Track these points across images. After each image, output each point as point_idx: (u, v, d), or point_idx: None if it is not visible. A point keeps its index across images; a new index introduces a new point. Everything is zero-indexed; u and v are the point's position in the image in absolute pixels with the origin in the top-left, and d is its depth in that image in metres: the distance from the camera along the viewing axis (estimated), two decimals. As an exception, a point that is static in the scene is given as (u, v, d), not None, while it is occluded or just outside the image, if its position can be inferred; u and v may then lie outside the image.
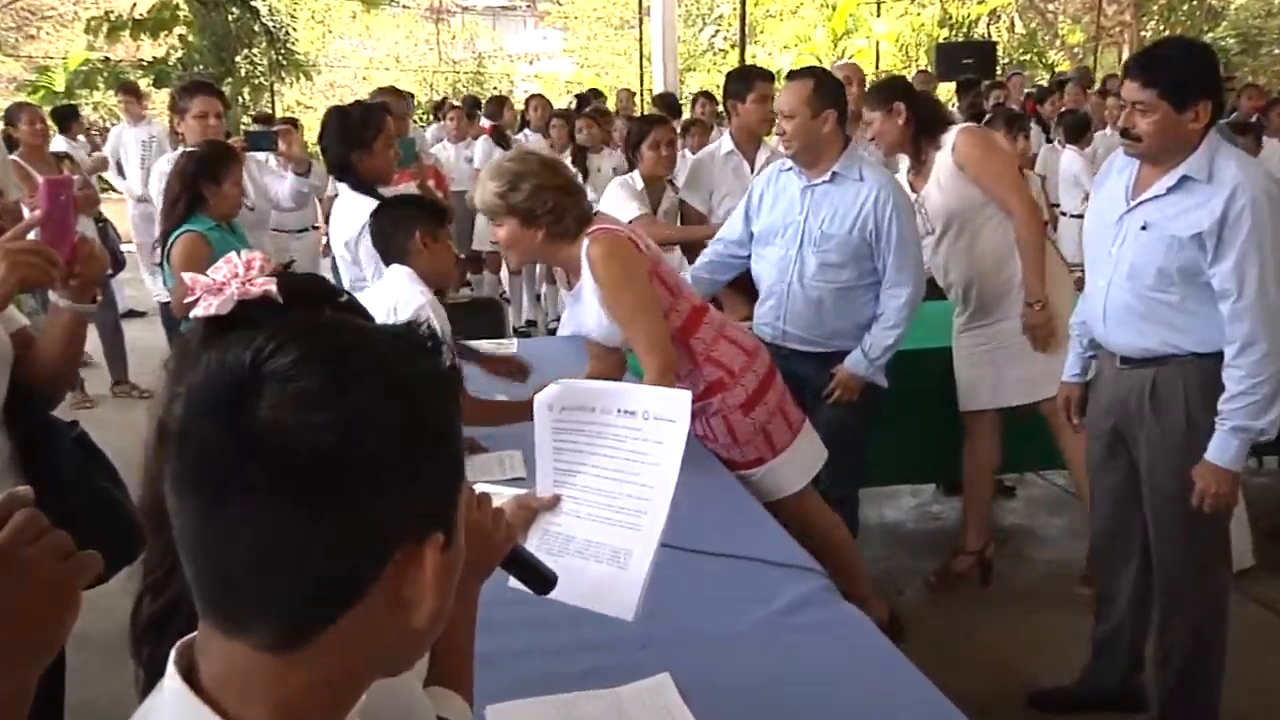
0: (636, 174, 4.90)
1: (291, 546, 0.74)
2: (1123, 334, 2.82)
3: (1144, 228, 2.72)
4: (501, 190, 2.81)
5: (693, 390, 2.74)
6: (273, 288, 1.27)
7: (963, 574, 4.08)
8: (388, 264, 3.05)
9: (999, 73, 13.82)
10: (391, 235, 3.05)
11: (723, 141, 4.87)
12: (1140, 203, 2.74)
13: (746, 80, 4.73)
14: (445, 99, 11.22)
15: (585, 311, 3.00)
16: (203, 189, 3.77)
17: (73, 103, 11.77)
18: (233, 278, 1.28)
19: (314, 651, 0.77)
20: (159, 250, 3.95)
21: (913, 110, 3.82)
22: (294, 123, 8.40)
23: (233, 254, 1.32)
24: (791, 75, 3.70)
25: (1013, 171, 3.88)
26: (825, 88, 3.48)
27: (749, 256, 3.70)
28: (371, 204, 3.43)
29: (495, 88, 22.22)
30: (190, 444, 0.75)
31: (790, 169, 3.57)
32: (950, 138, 3.77)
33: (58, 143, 9.14)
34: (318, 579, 0.76)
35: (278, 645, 0.77)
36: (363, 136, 3.76)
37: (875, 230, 3.39)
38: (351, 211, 3.67)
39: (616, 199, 4.71)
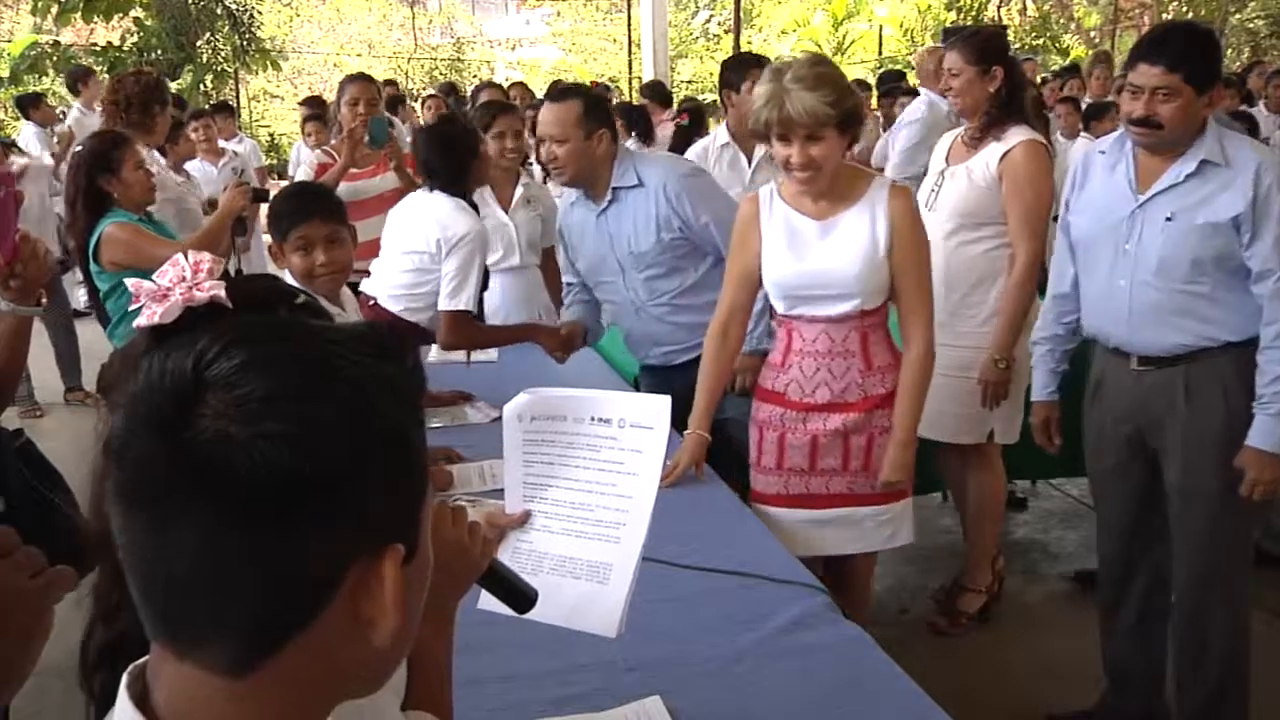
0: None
1: (238, 565, 0.73)
2: (1151, 333, 2.83)
3: (1170, 219, 2.74)
4: (831, 98, 2.69)
5: (880, 392, 2.87)
6: (221, 292, 1.26)
7: (972, 616, 3.96)
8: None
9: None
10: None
11: (718, 133, 4.83)
12: (1156, 194, 2.76)
13: (743, 68, 4.66)
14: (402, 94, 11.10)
15: (840, 249, 2.84)
16: (101, 183, 3.78)
17: (38, 90, 11.82)
18: (179, 282, 1.27)
19: (270, 674, 0.76)
20: (80, 259, 3.91)
21: (1008, 81, 3.65)
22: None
23: (179, 256, 1.32)
24: (554, 96, 3.56)
25: (1042, 213, 3.63)
26: (595, 107, 3.43)
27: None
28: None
29: (475, 75, 22.16)
30: (129, 458, 0.74)
31: (576, 201, 3.58)
32: (1013, 138, 3.57)
33: (26, 131, 9.23)
34: (267, 598, 0.74)
35: (231, 669, 0.75)
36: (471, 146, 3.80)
37: (684, 225, 3.39)
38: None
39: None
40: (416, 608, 0.83)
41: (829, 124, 2.68)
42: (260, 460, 0.71)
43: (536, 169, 5.05)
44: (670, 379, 3.42)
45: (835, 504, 2.93)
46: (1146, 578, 3.05)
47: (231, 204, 4.05)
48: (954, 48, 3.76)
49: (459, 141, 3.75)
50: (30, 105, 9.84)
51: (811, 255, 2.84)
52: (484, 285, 3.74)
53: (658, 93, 9.76)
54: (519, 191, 4.58)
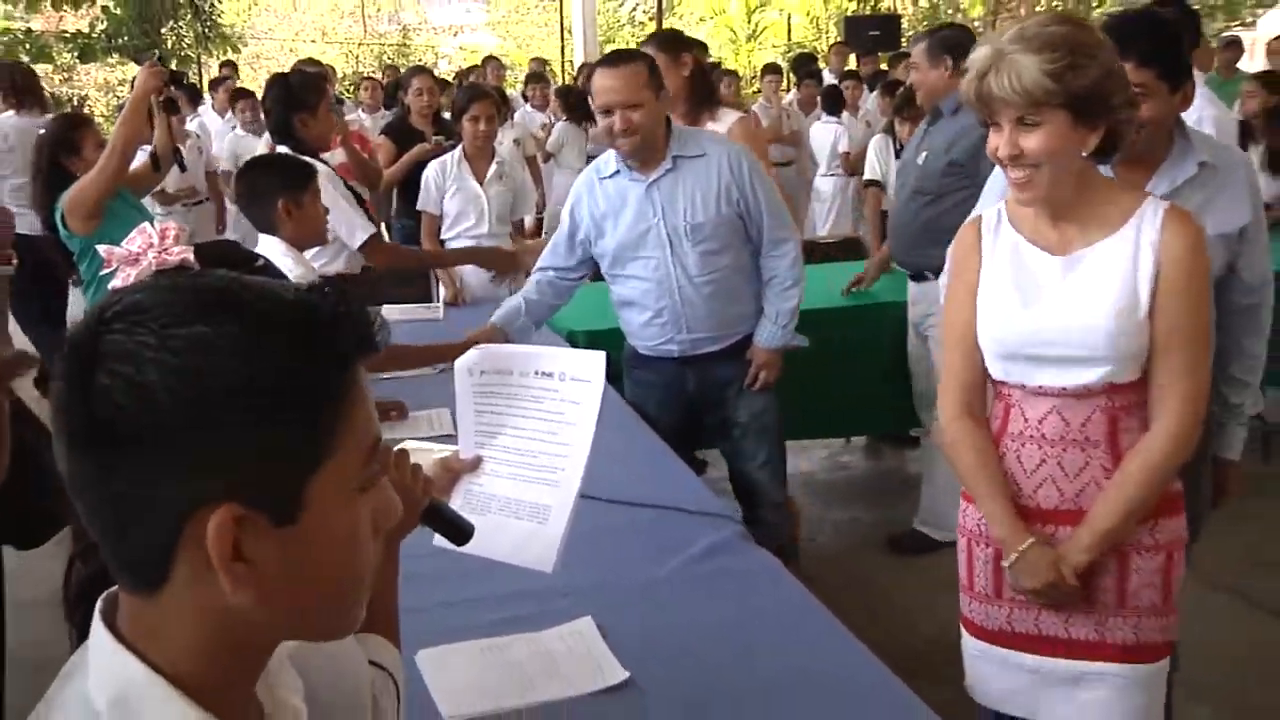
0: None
1: (99, 502, 0.73)
2: None
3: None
4: (1058, 64, 1.75)
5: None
6: (190, 255, 1.26)
7: None
8: (260, 230, 3.02)
9: (903, 44, 13.90)
10: (256, 204, 3.01)
11: None
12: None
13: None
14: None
15: (1086, 295, 1.86)
16: (63, 161, 3.83)
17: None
18: (148, 247, 1.27)
19: (169, 604, 0.75)
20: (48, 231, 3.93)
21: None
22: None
23: (147, 225, 1.31)
24: (614, 61, 3.02)
25: None
26: (654, 68, 3.01)
27: (581, 278, 3.28)
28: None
29: (420, 59, 21.87)
30: (54, 397, 0.74)
31: (611, 176, 3.06)
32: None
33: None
34: (119, 534, 0.74)
35: (134, 592, 0.76)
36: (306, 100, 3.82)
37: (742, 198, 2.99)
38: None
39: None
40: (302, 577, 0.76)
41: (1050, 102, 1.75)
42: (103, 401, 0.70)
43: (507, 148, 5.07)
44: (682, 374, 3.13)
45: (1076, 653, 1.93)
46: None
47: (144, 84, 3.80)
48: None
49: (294, 96, 3.83)
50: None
51: (1045, 301, 1.87)
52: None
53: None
54: (493, 168, 4.70)
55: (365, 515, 0.80)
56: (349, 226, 3.74)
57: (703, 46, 4.91)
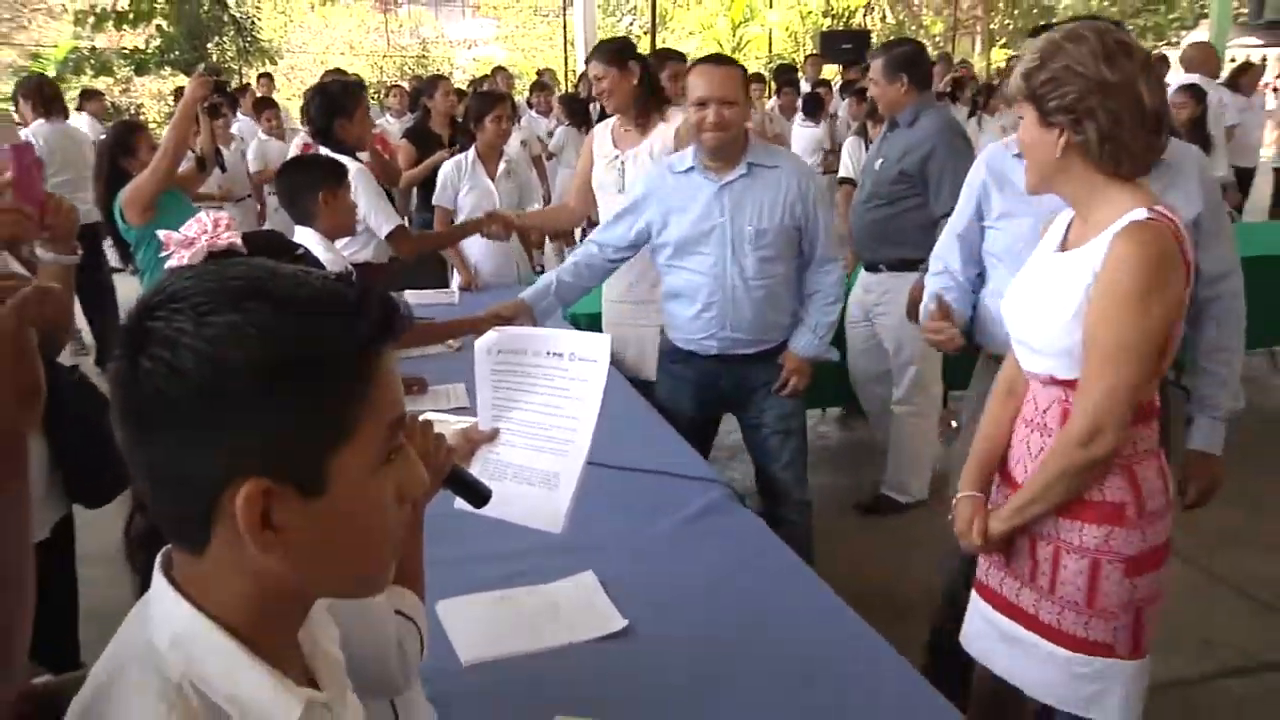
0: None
1: (145, 471, 0.73)
2: None
3: None
4: (1031, 64, 1.71)
5: (1084, 499, 1.77)
6: (238, 240, 1.28)
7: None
8: (297, 223, 3.01)
9: (872, 57, 13.83)
10: (295, 198, 2.99)
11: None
12: None
13: (660, 59, 4.74)
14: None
15: (1057, 290, 1.77)
16: (120, 162, 3.90)
17: (90, 87, 12.22)
18: (202, 234, 1.29)
19: (213, 565, 0.75)
20: (108, 225, 4.01)
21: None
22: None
23: (202, 214, 1.33)
24: (717, 60, 2.90)
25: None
26: (748, 76, 2.88)
27: (623, 261, 3.08)
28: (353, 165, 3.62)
29: (437, 70, 21.80)
30: (110, 377, 0.73)
31: (685, 172, 2.89)
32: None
33: (79, 120, 9.49)
34: (162, 503, 0.75)
35: (188, 552, 0.76)
36: (345, 106, 3.82)
37: (804, 214, 2.83)
38: None
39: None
40: (331, 543, 0.75)
41: (1020, 98, 1.74)
42: (146, 383, 0.70)
43: (514, 148, 5.04)
44: (716, 372, 2.96)
45: (1019, 620, 1.89)
46: None
47: (192, 93, 3.78)
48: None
49: (335, 101, 3.82)
50: (86, 98, 10.07)
51: (1031, 292, 1.84)
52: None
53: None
54: (502, 166, 4.71)
55: (390, 486, 0.78)
56: (378, 218, 3.73)
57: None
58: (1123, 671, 1.78)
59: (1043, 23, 2.65)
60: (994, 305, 2.32)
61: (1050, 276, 1.78)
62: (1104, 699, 1.79)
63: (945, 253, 2.50)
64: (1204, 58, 6.94)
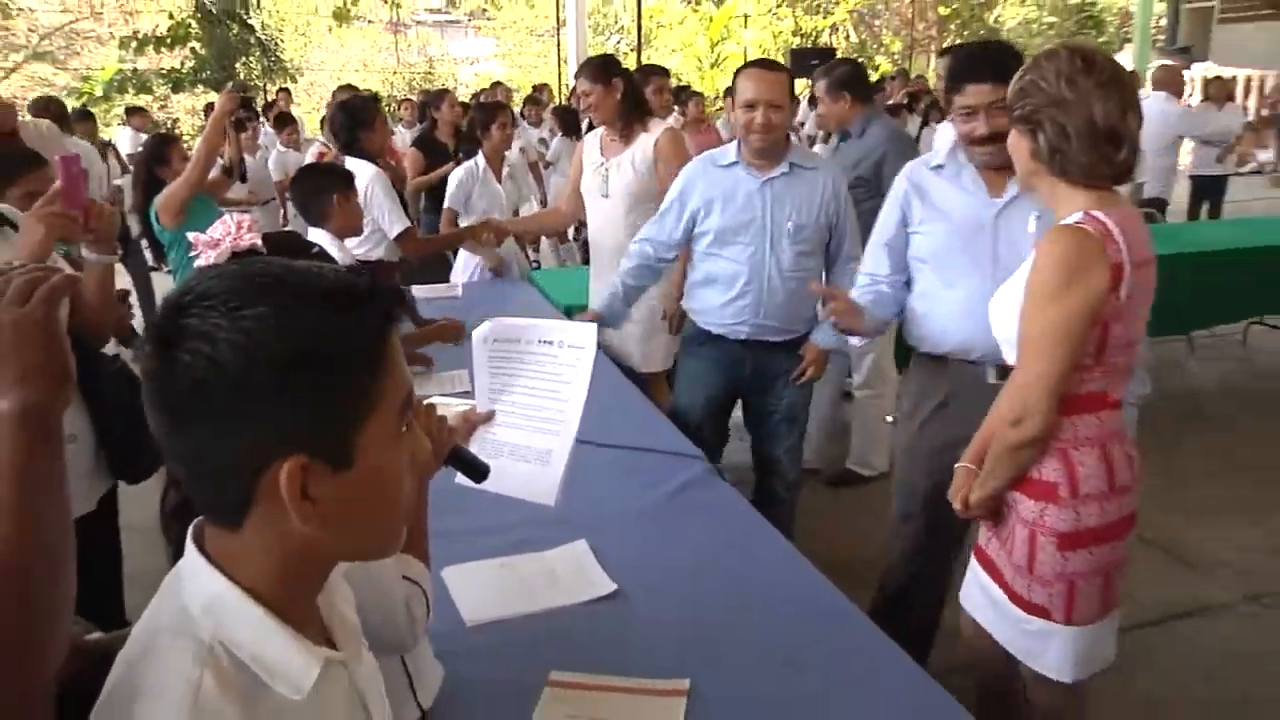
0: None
1: (184, 457, 0.73)
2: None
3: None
4: (1015, 80, 1.75)
5: (1034, 475, 1.78)
6: (259, 241, 1.28)
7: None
8: (310, 225, 3.03)
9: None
10: (310, 202, 3.00)
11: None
12: (1014, 197, 2.16)
13: (645, 74, 4.77)
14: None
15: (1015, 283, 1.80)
16: (156, 171, 3.96)
17: (136, 104, 12.71)
18: (227, 235, 1.29)
19: (248, 536, 0.75)
20: (145, 228, 4.05)
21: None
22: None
23: (227, 217, 1.34)
24: (765, 65, 2.81)
25: None
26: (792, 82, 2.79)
27: (676, 258, 3.01)
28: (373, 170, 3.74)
29: (442, 85, 21.74)
30: (143, 371, 0.73)
31: (728, 166, 2.81)
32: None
33: (122, 134, 10.07)
34: (204, 484, 0.75)
35: (217, 525, 0.77)
36: (367, 119, 3.90)
37: (836, 214, 2.81)
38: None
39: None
40: (344, 514, 0.76)
41: (1008, 105, 1.78)
42: (185, 376, 0.69)
43: (514, 155, 5.08)
44: (742, 356, 2.90)
45: (995, 578, 1.92)
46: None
47: (222, 108, 3.72)
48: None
49: (357, 115, 3.89)
50: (131, 114, 10.58)
51: (1014, 288, 1.80)
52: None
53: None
54: (505, 170, 4.78)
55: (406, 456, 0.80)
56: (390, 219, 3.75)
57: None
58: (1060, 634, 1.81)
59: (948, 45, 2.67)
60: (920, 307, 2.35)
61: (1021, 276, 1.79)
62: (1044, 655, 1.84)
63: (872, 264, 2.46)
64: (1170, 78, 7.30)
